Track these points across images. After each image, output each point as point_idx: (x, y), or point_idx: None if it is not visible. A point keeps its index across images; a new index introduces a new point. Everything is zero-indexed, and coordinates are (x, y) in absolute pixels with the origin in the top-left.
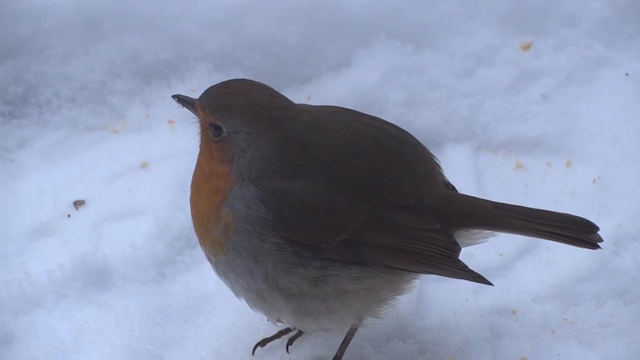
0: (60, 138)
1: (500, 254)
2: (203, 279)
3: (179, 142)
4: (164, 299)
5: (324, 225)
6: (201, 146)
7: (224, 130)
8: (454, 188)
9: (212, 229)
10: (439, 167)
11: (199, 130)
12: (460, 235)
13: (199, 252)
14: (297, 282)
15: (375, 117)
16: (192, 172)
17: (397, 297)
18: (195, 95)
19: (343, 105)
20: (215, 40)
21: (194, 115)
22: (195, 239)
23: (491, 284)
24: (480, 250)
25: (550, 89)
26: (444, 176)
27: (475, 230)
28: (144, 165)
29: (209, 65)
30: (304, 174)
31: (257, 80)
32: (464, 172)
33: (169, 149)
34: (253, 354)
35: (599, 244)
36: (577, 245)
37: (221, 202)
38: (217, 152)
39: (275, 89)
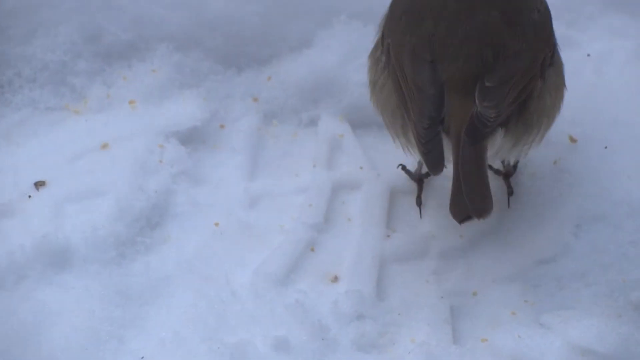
0: (22, 118)
1: (461, 236)
2: (163, 260)
3: (140, 123)
4: (124, 280)
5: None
6: None
7: None
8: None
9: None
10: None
11: None
12: None
13: (159, 233)
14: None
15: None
16: (152, 153)
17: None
18: (156, 75)
19: (303, 87)
20: (176, 20)
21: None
22: (155, 220)
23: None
24: (441, 231)
25: None
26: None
27: None
28: (104, 146)
29: (169, 46)
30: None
31: (217, 61)
32: None
33: (130, 130)
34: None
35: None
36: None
37: None
38: None
39: (236, 69)
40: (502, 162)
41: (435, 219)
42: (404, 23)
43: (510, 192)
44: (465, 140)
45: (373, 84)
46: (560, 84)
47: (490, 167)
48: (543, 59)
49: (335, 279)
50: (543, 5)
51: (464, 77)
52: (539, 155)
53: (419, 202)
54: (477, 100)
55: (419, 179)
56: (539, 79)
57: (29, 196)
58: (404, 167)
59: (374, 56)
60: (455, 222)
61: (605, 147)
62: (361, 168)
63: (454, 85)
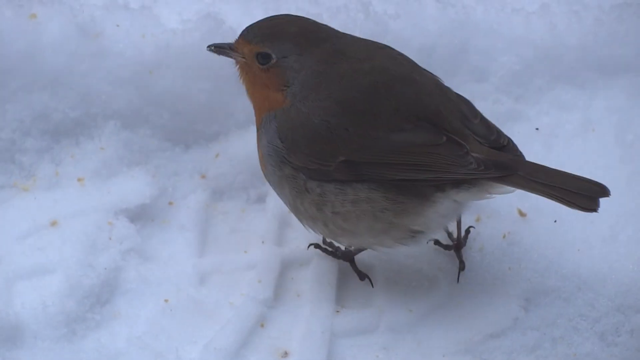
0: None
1: (411, 310)
2: (114, 336)
3: (89, 200)
4: (75, 357)
5: (324, 150)
6: (248, 85)
7: (273, 56)
8: (510, 142)
9: (260, 163)
10: (468, 106)
11: (240, 71)
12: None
13: (110, 310)
14: (306, 207)
15: (398, 52)
16: (101, 230)
17: (417, 225)
18: (104, 153)
19: (251, 163)
20: (124, 97)
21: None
22: (105, 297)
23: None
24: (391, 306)
25: None
26: (477, 116)
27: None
28: (54, 223)
29: (117, 123)
30: (317, 98)
31: (165, 138)
32: None
33: (79, 207)
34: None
35: (596, 209)
36: (571, 207)
37: (258, 138)
38: (270, 80)
39: (184, 146)
40: (449, 234)
41: (384, 294)
42: (355, 126)
43: (462, 267)
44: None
45: (335, 215)
46: None
47: (439, 242)
48: None
49: (286, 355)
50: None
51: None
52: (488, 229)
53: (362, 277)
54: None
55: (350, 259)
56: None
57: None
58: (317, 246)
59: (313, 191)
60: (403, 297)
61: (555, 221)
62: (311, 245)
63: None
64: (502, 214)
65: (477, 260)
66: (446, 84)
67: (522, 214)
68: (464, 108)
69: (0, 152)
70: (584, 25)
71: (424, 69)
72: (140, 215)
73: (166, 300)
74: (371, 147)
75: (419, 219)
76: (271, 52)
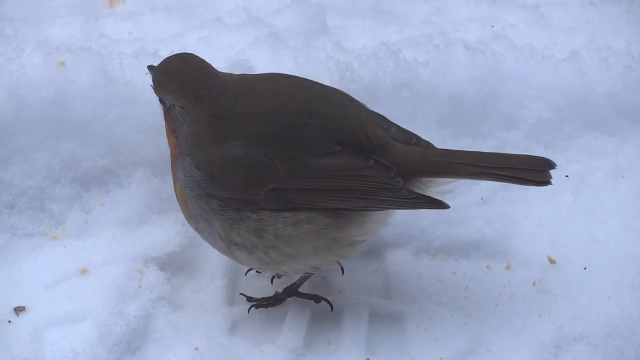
0: (0, 244)
1: (441, 357)
2: None
3: (119, 248)
4: None
5: (248, 179)
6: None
7: (166, 102)
8: (429, 144)
9: (179, 202)
10: (383, 118)
11: None
12: (412, 185)
13: (140, 357)
14: (244, 236)
15: (303, 78)
16: (131, 279)
17: (359, 235)
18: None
19: None
20: (153, 145)
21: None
22: (135, 344)
23: (446, 206)
24: (420, 352)
25: (489, 193)
26: (391, 125)
27: (425, 179)
28: (83, 271)
29: (146, 171)
30: (228, 140)
31: None
32: (403, 276)
33: (109, 255)
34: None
35: (550, 181)
36: (526, 185)
37: (174, 175)
38: (167, 122)
39: None
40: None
41: (414, 340)
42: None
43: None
44: None
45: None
46: None
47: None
48: None
49: None
50: None
51: None
52: (518, 276)
53: (317, 299)
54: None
55: (294, 292)
56: None
57: (9, 321)
58: (258, 305)
59: (240, 226)
60: (434, 343)
61: (585, 268)
62: (339, 292)
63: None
64: (531, 261)
65: (507, 307)
66: (476, 131)
67: (552, 261)
68: (380, 119)
69: (30, 200)
70: (613, 72)
71: (327, 85)
72: (170, 263)
73: (196, 349)
74: (299, 173)
75: (361, 228)
76: (163, 98)
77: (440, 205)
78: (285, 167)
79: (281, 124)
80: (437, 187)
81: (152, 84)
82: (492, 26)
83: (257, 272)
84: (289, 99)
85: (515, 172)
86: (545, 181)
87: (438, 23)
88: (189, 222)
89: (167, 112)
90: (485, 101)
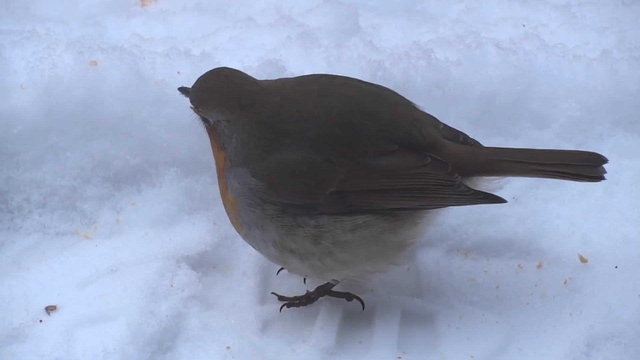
0: (32, 243)
1: (472, 356)
2: None
3: (150, 247)
4: None
5: (309, 184)
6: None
7: (210, 120)
8: (476, 143)
9: (229, 211)
10: (431, 116)
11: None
12: (464, 182)
13: (171, 357)
14: (300, 243)
15: (349, 77)
16: (163, 278)
17: (410, 238)
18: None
19: None
20: (184, 145)
21: None
22: (166, 344)
23: (504, 201)
24: (452, 350)
25: (520, 191)
26: (439, 124)
27: (474, 177)
28: (115, 270)
29: (178, 171)
30: (282, 147)
31: None
32: (435, 275)
33: (140, 254)
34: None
35: (604, 176)
36: (580, 180)
37: (225, 186)
38: (213, 139)
39: None
40: None
41: (446, 339)
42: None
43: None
44: None
45: (328, 251)
46: None
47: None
48: None
49: None
50: None
51: None
52: (550, 275)
53: (349, 297)
54: None
55: (327, 290)
56: None
57: (40, 320)
58: (290, 304)
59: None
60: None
61: (616, 267)
62: (372, 291)
63: None
64: (563, 260)
65: (539, 306)
66: (507, 130)
67: (583, 260)
68: (430, 118)
69: (62, 199)
70: None
71: (374, 83)
72: (202, 263)
73: (228, 347)
74: (359, 175)
75: (413, 229)
76: (206, 116)
77: (497, 200)
78: (345, 169)
79: (336, 125)
80: (487, 184)
81: (190, 105)
82: (524, 26)
83: (289, 271)
84: (340, 99)
85: (568, 168)
86: (599, 176)
87: (470, 22)
88: (238, 231)
89: (211, 130)
90: (517, 100)
